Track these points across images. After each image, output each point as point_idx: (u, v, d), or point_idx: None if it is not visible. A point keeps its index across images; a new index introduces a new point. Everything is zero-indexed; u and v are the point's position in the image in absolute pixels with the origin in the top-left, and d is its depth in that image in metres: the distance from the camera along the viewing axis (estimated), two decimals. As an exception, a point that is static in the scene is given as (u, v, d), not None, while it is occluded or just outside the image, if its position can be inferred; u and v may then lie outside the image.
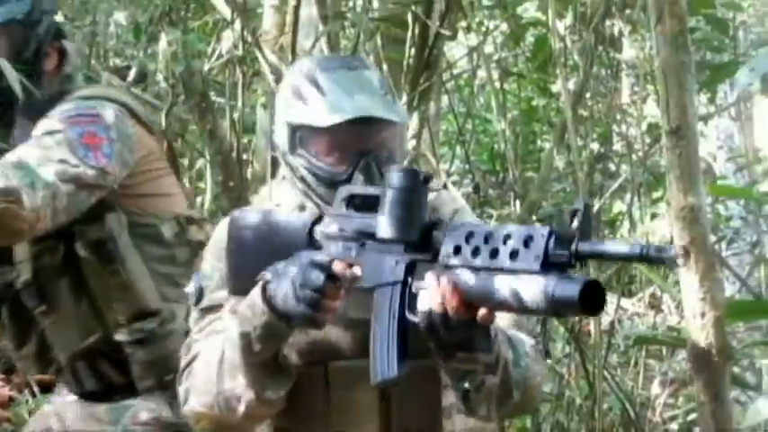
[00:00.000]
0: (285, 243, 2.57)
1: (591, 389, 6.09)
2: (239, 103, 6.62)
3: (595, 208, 6.75)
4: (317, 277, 2.38)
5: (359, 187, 2.57)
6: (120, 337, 3.45)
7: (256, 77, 7.16)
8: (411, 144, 6.02)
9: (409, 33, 6.06)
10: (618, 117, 7.42)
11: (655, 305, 7.30)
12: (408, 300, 2.33)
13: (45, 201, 3.15)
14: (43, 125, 3.41)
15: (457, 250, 2.18)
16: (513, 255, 2.07)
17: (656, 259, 1.97)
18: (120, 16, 6.90)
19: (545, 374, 2.83)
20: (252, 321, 2.51)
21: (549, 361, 6.94)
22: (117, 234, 3.46)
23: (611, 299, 6.51)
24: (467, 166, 8.45)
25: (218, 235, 2.84)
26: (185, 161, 7.39)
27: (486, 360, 2.40)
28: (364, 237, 2.44)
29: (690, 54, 2.77)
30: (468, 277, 2.14)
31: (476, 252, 2.14)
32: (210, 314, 2.79)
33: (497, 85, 7.69)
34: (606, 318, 6.53)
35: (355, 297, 2.55)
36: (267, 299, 2.46)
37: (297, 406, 2.69)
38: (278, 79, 5.91)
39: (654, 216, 7.89)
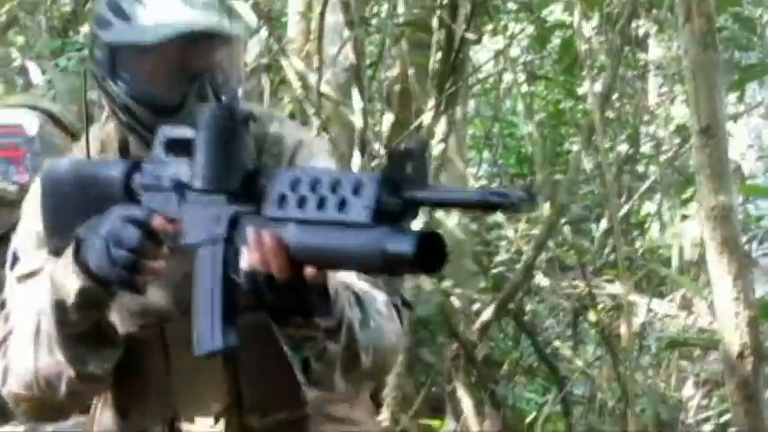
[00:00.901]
0: (101, 195, 2.27)
1: (623, 391, 6.21)
2: (263, 108, 6.53)
3: (624, 209, 6.85)
4: (133, 235, 2.11)
5: (172, 128, 2.21)
6: None
7: (283, 85, 7.08)
8: (439, 148, 6.04)
9: (434, 38, 6.16)
10: (646, 118, 7.47)
11: (686, 306, 7.13)
12: (233, 258, 2.05)
13: None
14: None
15: (281, 200, 1.89)
16: (342, 205, 1.80)
17: (496, 204, 1.68)
18: None
19: (402, 334, 2.46)
20: (66, 288, 2.20)
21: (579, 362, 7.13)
22: None
23: (643, 300, 6.72)
24: (494, 170, 8.76)
25: (34, 189, 2.47)
26: None
27: (325, 325, 2.08)
28: (183, 187, 2.16)
29: (718, 53, 2.76)
30: (292, 232, 1.85)
31: (302, 202, 1.85)
32: (29, 280, 2.46)
33: (524, 88, 7.82)
34: (637, 320, 6.55)
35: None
36: (80, 261, 2.16)
37: (133, 379, 2.44)
38: (304, 86, 6.33)
39: (684, 217, 7.62)
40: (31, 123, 3.39)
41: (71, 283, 2.17)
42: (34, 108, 3.50)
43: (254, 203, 1.98)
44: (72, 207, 2.31)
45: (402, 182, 1.71)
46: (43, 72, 6.48)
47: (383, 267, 1.80)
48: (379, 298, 2.29)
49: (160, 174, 2.17)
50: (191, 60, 2.28)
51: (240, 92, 2.35)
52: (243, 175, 2.05)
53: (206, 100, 2.26)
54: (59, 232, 2.31)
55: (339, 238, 1.79)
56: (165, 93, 2.29)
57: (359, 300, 2.21)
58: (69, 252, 2.18)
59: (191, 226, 2.10)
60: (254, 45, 6.72)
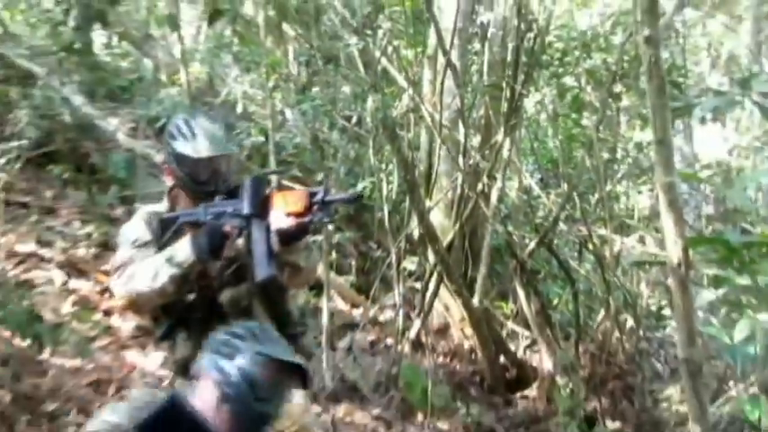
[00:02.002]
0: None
1: (607, 287, 7.48)
2: (411, 134, 7.94)
3: (608, 188, 7.96)
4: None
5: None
6: None
7: (421, 119, 7.96)
8: (505, 154, 7.28)
9: (504, 93, 7.45)
10: (620, 138, 8.61)
11: (641, 241, 8.73)
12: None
13: None
14: None
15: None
16: None
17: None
18: (346, 88, 7.99)
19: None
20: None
21: (582, 271, 8.51)
22: None
23: (618, 238, 7.88)
24: (536, 166, 9.64)
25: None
26: (383, 165, 8.04)
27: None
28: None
29: (667, 97, 2.96)
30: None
31: None
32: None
33: (551, 120, 9.02)
34: (615, 248, 7.84)
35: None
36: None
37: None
38: (433, 120, 7.30)
39: (639, 192, 9.28)
40: None
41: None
42: None
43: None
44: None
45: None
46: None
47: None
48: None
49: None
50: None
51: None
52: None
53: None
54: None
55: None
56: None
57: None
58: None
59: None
60: (405, 98, 7.87)
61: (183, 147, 3.24)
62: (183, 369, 3.32)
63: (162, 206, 3.39)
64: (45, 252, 6.26)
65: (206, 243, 3.07)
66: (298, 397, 3.34)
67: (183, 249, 3.08)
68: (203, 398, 2.66)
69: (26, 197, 7.01)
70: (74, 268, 6.19)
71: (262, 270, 2.91)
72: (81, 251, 6.45)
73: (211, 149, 3.22)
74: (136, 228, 3.33)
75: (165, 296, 3.16)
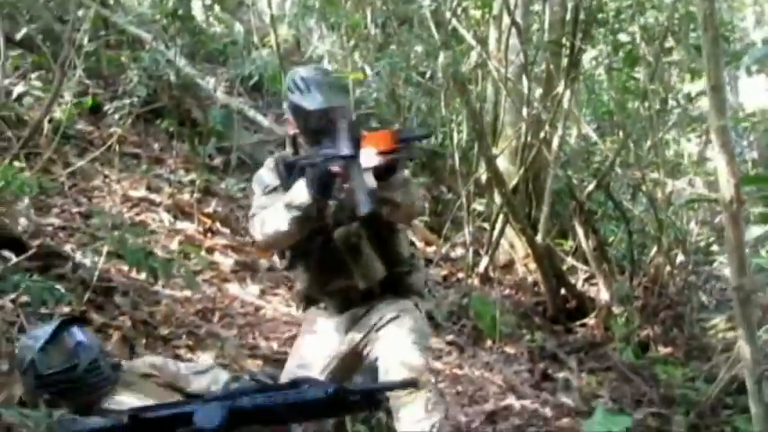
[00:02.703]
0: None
1: (660, 225, 7.41)
2: (478, 87, 8.10)
3: (660, 135, 7.80)
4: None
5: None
6: None
7: (488, 74, 8.12)
8: (565, 105, 7.26)
9: (563, 49, 7.57)
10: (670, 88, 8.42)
11: (691, 184, 8.74)
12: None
13: None
14: None
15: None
16: None
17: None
18: (419, 47, 8.00)
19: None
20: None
21: (636, 212, 8.43)
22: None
23: (670, 180, 7.72)
24: (593, 116, 9.62)
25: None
26: (453, 117, 8.11)
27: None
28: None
29: (720, 47, 2.91)
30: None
31: None
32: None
33: (606, 74, 8.95)
34: (667, 190, 7.65)
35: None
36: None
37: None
38: (499, 76, 7.39)
39: (689, 140, 9.28)
40: None
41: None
42: None
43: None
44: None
45: None
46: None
47: None
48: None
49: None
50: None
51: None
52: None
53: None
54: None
55: None
56: (316, 126, 3.17)
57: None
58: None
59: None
60: (473, 55, 8.05)
61: (298, 99, 3.21)
62: (305, 299, 3.42)
63: (287, 152, 3.41)
64: (154, 197, 6.39)
65: (316, 184, 3.01)
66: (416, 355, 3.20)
67: (299, 192, 3.04)
68: None
69: (137, 149, 7.13)
70: (180, 211, 6.30)
71: (362, 206, 2.86)
72: (185, 196, 6.56)
73: (324, 102, 3.17)
74: (265, 175, 3.35)
75: (291, 237, 3.16)
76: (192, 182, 6.71)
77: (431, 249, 7.78)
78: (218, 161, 7.63)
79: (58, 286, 3.94)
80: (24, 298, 3.90)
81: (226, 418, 2.23)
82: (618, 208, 8.06)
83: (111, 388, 2.94)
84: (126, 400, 2.90)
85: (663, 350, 6.79)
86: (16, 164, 4.86)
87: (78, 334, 2.92)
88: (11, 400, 3.09)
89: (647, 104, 7.46)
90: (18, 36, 6.81)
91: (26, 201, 4.89)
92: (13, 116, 5.92)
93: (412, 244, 3.62)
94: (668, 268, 7.39)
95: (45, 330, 2.91)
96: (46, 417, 2.79)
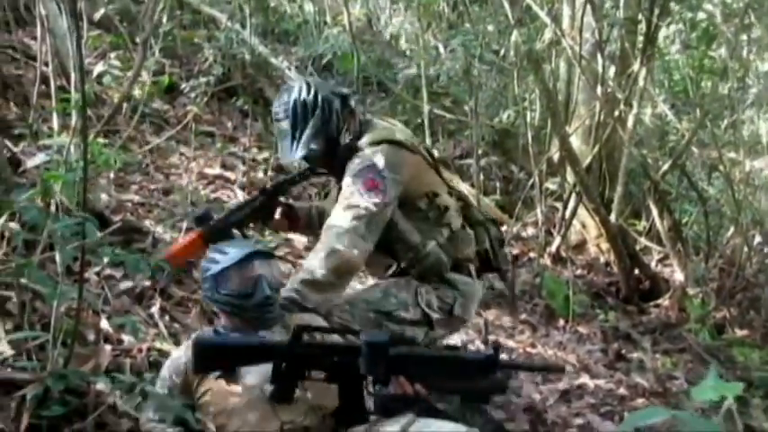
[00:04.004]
0: None
1: (737, 206, 7.35)
2: (553, 63, 7.98)
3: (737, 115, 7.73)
4: None
5: None
6: None
7: (561, 52, 7.99)
8: (641, 83, 7.11)
9: (638, 26, 7.56)
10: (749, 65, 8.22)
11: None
12: None
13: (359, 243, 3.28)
14: (344, 182, 3.42)
15: None
16: None
17: None
18: (490, 26, 8.11)
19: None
20: None
21: (712, 192, 8.67)
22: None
23: (748, 161, 7.60)
24: (669, 95, 9.48)
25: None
26: (526, 95, 8.16)
27: None
28: None
29: None
30: None
31: None
32: None
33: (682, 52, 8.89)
34: (746, 170, 7.56)
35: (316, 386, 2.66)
36: None
37: None
38: (573, 54, 7.26)
39: (767, 121, 9.05)
40: (379, 160, 3.41)
41: None
42: (384, 142, 3.49)
43: None
44: None
45: None
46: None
47: None
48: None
49: None
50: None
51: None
52: None
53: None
54: None
55: None
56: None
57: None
58: None
59: None
60: (548, 31, 7.74)
61: None
62: None
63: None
64: (229, 174, 6.42)
65: None
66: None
67: None
68: None
69: (212, 127, 7.17)
70: (254, 188, 6.32)
71: None
72: (259, 174, 6.59)
73: None
74: None
75: None
76: (266, 160, 6.75)
77: (502, 229, 7.69)
78: (290, 139, 7.58)
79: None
80: (108, 271, 3.97)
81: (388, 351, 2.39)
82: (694, 188, 8.04)
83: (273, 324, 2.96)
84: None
85: (739, 332, 6.72)
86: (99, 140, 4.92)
87: (263, 268, 2.91)
88: (98, 369, 3.16)
89: (725, 83, 7.39)
90: (96, 17, 6.90)
91: (110, 176, 4.95)
92: (93, 95, 5.98)
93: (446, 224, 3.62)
94: (745, 250, 7.24)
95: (234, 253, 2.94)
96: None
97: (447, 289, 3.55)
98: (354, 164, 3.39)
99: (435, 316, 3.50)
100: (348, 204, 3.30)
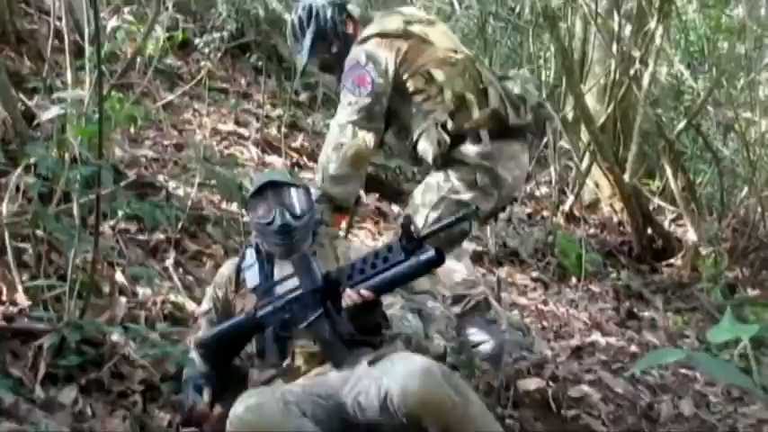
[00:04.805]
0: None
1: (752, 166, 7.34)
2: (569, 21, 7.85)
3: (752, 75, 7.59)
4: None
5: None
6: None
7: (578, 9, 7.99)
8: (657, 43, 7.08)
9: None
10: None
11: None
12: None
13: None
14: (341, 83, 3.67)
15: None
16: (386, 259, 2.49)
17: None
18: None
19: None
20: None
21: (727, 152, 8.73)
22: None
23: (764, 121, 7.49)
24: (685, 55, 9.39)
25: None
26: (541, 53, 8.18)
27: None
28: None
29: None
30: None
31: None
32: None
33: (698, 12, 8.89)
34: (761, 129, 7.50)
35: None
36: None
37: None
38: (589, 12, 7.26)
39: None
40: (361, 57, 3.62)
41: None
42: (370, 37, 3.67)
43: None
44: None
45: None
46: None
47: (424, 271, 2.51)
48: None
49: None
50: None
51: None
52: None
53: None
54: None
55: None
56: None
57: None
58: None
59: None
60: None
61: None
62: None
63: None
64: (243, 131, 6.41)
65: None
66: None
67: None
68: None
69: (225, 83, 7.14)
70: (267, 145, 6.34)
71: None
72: (273, 131, 6.59)
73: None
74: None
75: None
76: (279, 117, 6.72)
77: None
78: (304, 97, 7.60)
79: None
80: (123, 225, 3.99)
81: None
82: (708, 148, 8.03)
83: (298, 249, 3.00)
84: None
85: (751, 292, 6.72)
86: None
87: (279, 196, 3.00)
88: (113, 319, 3.18)
89: (742, 43, 7.36)
90: (109, -29, 6.79)
91: (125, 131, 4.95)
92: (107, 51, 5.95)
93: None
94: (759, 210, 7.20)
95: (257, 181, 3.12)
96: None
97: (461, 167, 3.61)
98: (346, 65, 3.61)
99: (467, 196, 3.56)
100: (344, 103, 3.58)
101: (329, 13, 3.70)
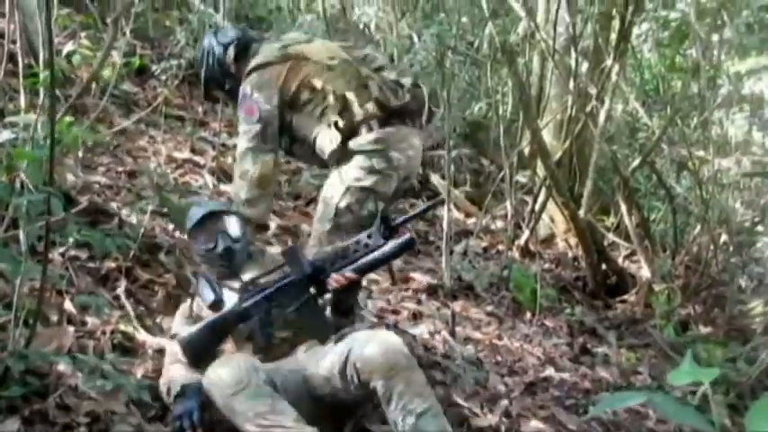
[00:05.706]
0: None
1: (704, 204, 7.29)
2: (526, 57, 7.86)
3: (705, 115, 7.73)
4: None
5: None
6: None
7: (535, 46, 8.03)
8: (614, 78, 7.13)
9: (612, 22, 7.68)
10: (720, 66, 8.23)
11: (738, 162, 8.41)
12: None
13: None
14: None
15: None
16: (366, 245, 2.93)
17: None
18: (464, 18, 7.93)
19: None
20: None
21: (680, 189, 8.82)
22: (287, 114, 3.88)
23: (716, 159, 7.55)
24: (640, 91, 9.54)
25: None
26: (499, 87, 8.25)
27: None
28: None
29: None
30: None
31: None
32: None
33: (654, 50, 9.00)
34: (713, 169, 7.58)
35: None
36: None
37: None
38: (546, 48, 7.30)
39: (733, 122, 9.08)
40: (246, 89, 3.98)
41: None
42: (255, 69, 4.01)
43: None
44: None
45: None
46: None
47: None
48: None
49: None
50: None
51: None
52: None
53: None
54: None
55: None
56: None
57: None
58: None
59: None
60: (522, 24, 7.83)
61: None
62: None
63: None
64: (198, 159, 6.39)
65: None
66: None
67: None
68: None
69: (182, 111, 7.13)
70: (223, 173, 6.29)
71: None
72: (229, 159, 6.53)
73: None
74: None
75: None
76: (235, 146, 6.61)
77: (471, 221, 7.76)
78: (260, 126, 7.51)
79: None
80: (73, 252, 3.93)
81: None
82: (662, 185, 8.03)
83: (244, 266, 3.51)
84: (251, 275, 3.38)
85: (703, 329, 6.77)
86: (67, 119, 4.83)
87: (218, 224, 3.46)
88: (60, 349, 3.12)
89: (698, 80, 7.43)
90: (67, -5, 6.76)
91: (79, 154, 4.91)
92: (62, 74, 5.89)
93: None
94: (711, 248, 7.26)
95: (194, 215, 3.54)
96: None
97: (358, 156, 3.85)
98: (238, 99, 3.95)
99: (368, 182, 3.81)
100: (241, 132, 3.95)
101: (218, 56, 4.10)
